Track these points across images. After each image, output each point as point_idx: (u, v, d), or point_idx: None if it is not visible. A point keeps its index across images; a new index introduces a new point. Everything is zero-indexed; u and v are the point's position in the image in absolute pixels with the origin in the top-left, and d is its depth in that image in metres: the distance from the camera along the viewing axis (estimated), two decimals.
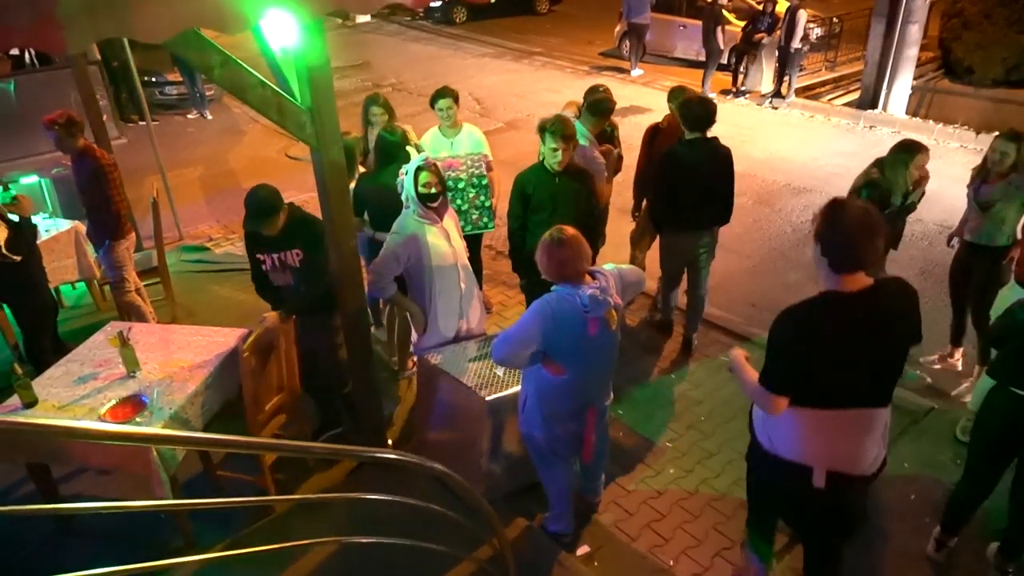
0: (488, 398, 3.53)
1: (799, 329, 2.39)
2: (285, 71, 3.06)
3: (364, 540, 2.90)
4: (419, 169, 3.79)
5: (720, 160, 4.61)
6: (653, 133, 5.26)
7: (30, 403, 3.47)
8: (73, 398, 3.55)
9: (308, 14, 2.47)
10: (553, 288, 3.06)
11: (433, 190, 3.80)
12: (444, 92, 5.00)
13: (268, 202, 3.72)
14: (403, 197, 3.91)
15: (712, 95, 10.87)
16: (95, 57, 10.40)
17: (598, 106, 4.87)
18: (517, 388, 3.59)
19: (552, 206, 4.16)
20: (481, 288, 5.65)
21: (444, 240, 3.92)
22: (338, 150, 3.21)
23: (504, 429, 3.67)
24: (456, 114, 5.06)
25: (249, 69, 2.84)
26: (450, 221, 4.00)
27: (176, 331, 4.25)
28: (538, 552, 3.56)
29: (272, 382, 3.83)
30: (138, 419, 3.39)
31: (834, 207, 2.33)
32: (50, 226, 5.61)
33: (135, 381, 3.66)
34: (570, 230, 3.06)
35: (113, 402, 3.48)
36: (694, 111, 4.54)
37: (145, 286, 5.49)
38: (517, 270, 4.51)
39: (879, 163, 4.46)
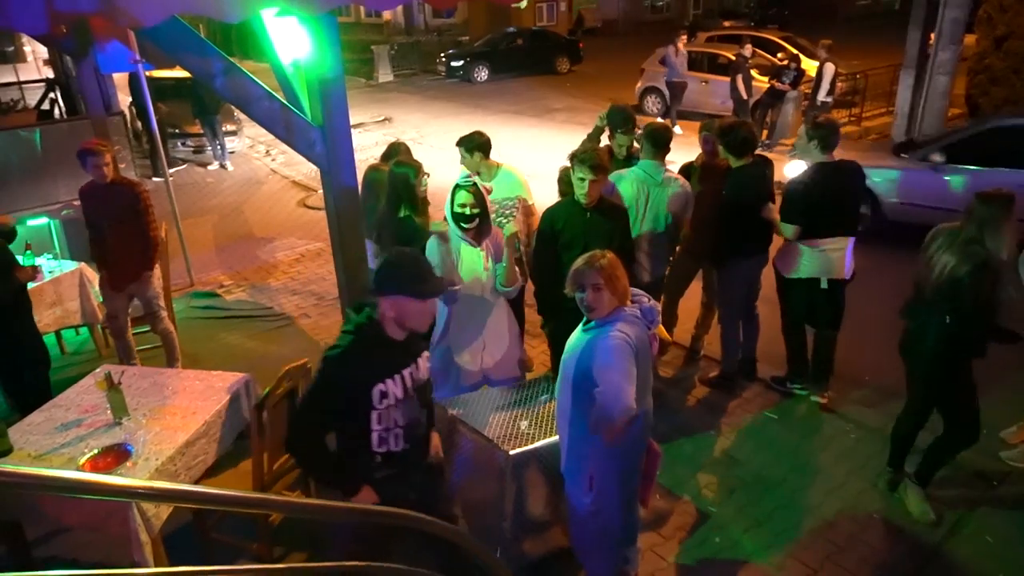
0: (512, 452, 3.13)
1: (808, 184, 4.18)
2: (296, 85, 2.81)
3: None
4: (457, 187, 3.52)
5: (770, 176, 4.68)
6: (687, 174, 4.97)
7: (4, 452, 3.14)
8: (52, 447, 3.21)
9: (317, 6, 2.22)
10: (610, 319, 2.70)
11: (468, 210, 3.50)
12: (478, 135, 4.59)
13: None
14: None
15: None
16: (118, 109, 10.58)
17: (658, 136, 4.45)
18: (546, 441, 3.19)
19: (583, 243, 3.81)
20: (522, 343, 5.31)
21: (478, 263, 3.61)
22: (350, 173, 2.94)
23: (530, 487, 3.26)
24: (486, 160, 4.71)
25: (255, 80, 2.59)
26: (491, 247, 3.68)
27: (173, 375, 3.93)
28: None
29: (282, 436, 3.43)
30: (119, 471, 3.03)
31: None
32: (54, 267, 5.39)
33: (121, 429, 3.31)
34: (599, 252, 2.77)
35: (95, 451, 3.14)
36: (740, 135, 4.43)
37: (138, 333, 5.21)
38: (543, 312, 4.15)
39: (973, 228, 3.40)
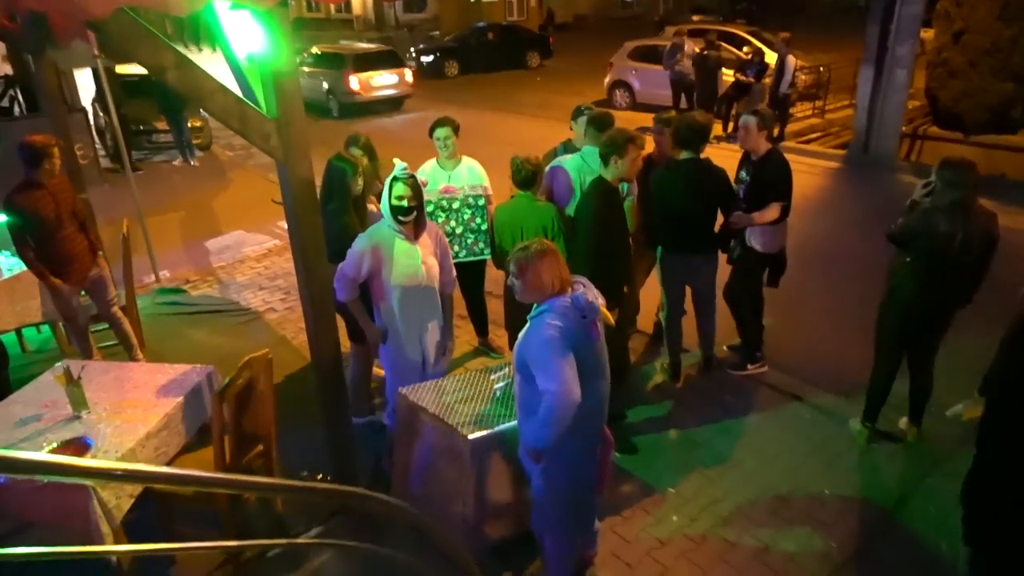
0: (472, 437, 3.19)
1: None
2: (250, 79, 2.84)
3: None
4: (395, 179, 3.55)
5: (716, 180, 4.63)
6: (647, 165, 5.06)
7: None
8: (10, 441, 3.21)
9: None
10: (541, 309, 2.76)
11: (405, 203, 3.54)
12: (444, 121, 4.77)
13: None
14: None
15: None
16: (79, 106, 10.43)
17: (602, 121, 4.64)
18: (505, 426, 3.26)
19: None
20: (486, 334, 5.41)
21: (415, 259, 3.65)
22: (307, 165, 2.97)
23: (491, 472, 3.32)
24: (455, 145, 4.83)
25: (208, 73, 2.61)
26: (428, 242, 3.73)
27: (134, 369, 3.93)
28: None
29: (245, 429, 3.47)
30: None
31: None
32: (13, 265, 5.32)
33: (81, 423, 3.32)
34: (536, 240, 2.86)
35: (54, 444, 3.14)
36: (687, 125, 4.49)
37: (98, 331, 5.17)
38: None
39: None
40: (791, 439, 4.36)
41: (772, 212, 4.51)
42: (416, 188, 3.58)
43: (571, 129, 5.04)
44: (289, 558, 3.51)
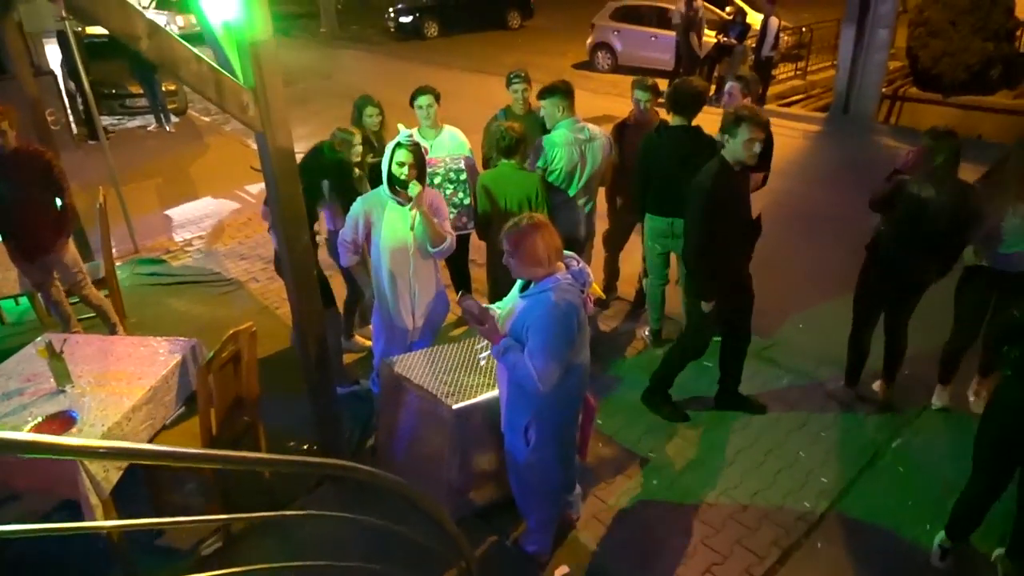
0: (455, 406, 3.24)
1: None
2: (226, 47, 2.79)
3: (322, 563, 2.59)
4: (398, 145, 3.53)
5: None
6: (621, 129, 5.05)
7: None
8: None
9: None
10: (544, 287, 2.76)
11: (405, 171, 3.52)
12: (425, 89, 4.70)
13: None
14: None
15: None
16: (47, 68, 10.12)
17: (569, 89, 4.56)
18: (488, 395, 3.31)
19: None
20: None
21: (404, 223, 3.65)
22: (286, 134, 2.94)
23: (473, 441, 3.38)
24: (436, 113, 4.77)
25: (182, 42, 2.56)
26: (423, 210, 3.70)
27: (118, 342, 3.92)
28: (514, 570, 3.27)
29: (230, 400, 3.48)
30: (67, 436, 3.05)
31: None
32: None
33: (65, 396, 3.32)
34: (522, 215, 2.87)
35: (39, 419, 3.14)
36: (683, 90, 4.40)
37: (76, 302, 5.10)
38: (704, 293, 3.93)
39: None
40: (767, 402, 4.46)
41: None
42: (418, 155, 3.56)
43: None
44: (277, 527, 3.57)
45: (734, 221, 3.78)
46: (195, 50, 2.58)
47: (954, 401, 4.31)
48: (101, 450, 1.46)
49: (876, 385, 4.45)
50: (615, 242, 5.43)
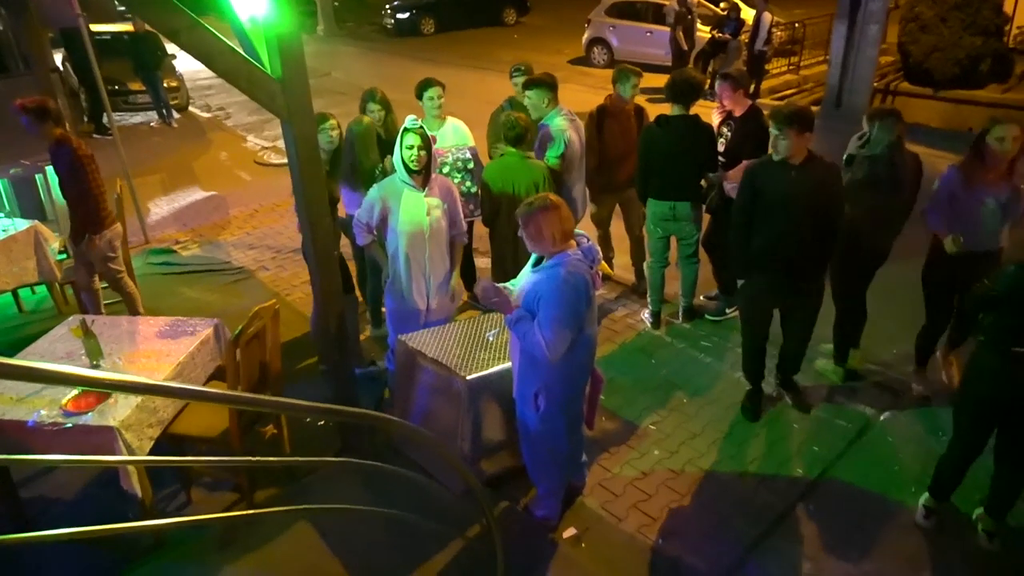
0: (469, 378, 3.44)
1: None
2: (254, 41, 2.97)
3: (357, 508, 2.76)
4: (405, 130, 3.71)
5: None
6: (600, 115, 5.25)
7: None
8: (33, 390, 3.38)
9: None
10: (555, 262, 2.95)
11: (415, 152, 3.70)
12: (433, 82, 4.92)
13: None
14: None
15: None
16: (54, 65, 10.25)
17: (554, 81, 4.94)
18: (500, 367, 3.50)
19: (783, 205, 3.82)
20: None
21: (420, 208, 3.84)
22: (310, 123, 3.13)
23: (486, 411, 3.58)
24: (443, 105, 4.98)
25: (218, 35, 2.75)
26: (435, 192, 3.89)
27: (143, 322, 4.10)
28: (525, 533, 3.47)
29: (256, 375, 3.67)
30: (102, 408, 3.24)
31: None
32: (8, 226, 5.41)
33: (99, 372, 3.50)
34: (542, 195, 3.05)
35: (76, 392, 3.32)
36: (679, 81, 4.72)
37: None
38: (738, 272, 4.21)
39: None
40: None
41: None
42: (425, 138, 3.74)
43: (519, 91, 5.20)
44: (299, 497, 3.75)
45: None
46: (230, 43, 2.77)
47: (932, 388, 4.43)
48: (138, 385, 1.58)
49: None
50: (599, 221, 5.64)
